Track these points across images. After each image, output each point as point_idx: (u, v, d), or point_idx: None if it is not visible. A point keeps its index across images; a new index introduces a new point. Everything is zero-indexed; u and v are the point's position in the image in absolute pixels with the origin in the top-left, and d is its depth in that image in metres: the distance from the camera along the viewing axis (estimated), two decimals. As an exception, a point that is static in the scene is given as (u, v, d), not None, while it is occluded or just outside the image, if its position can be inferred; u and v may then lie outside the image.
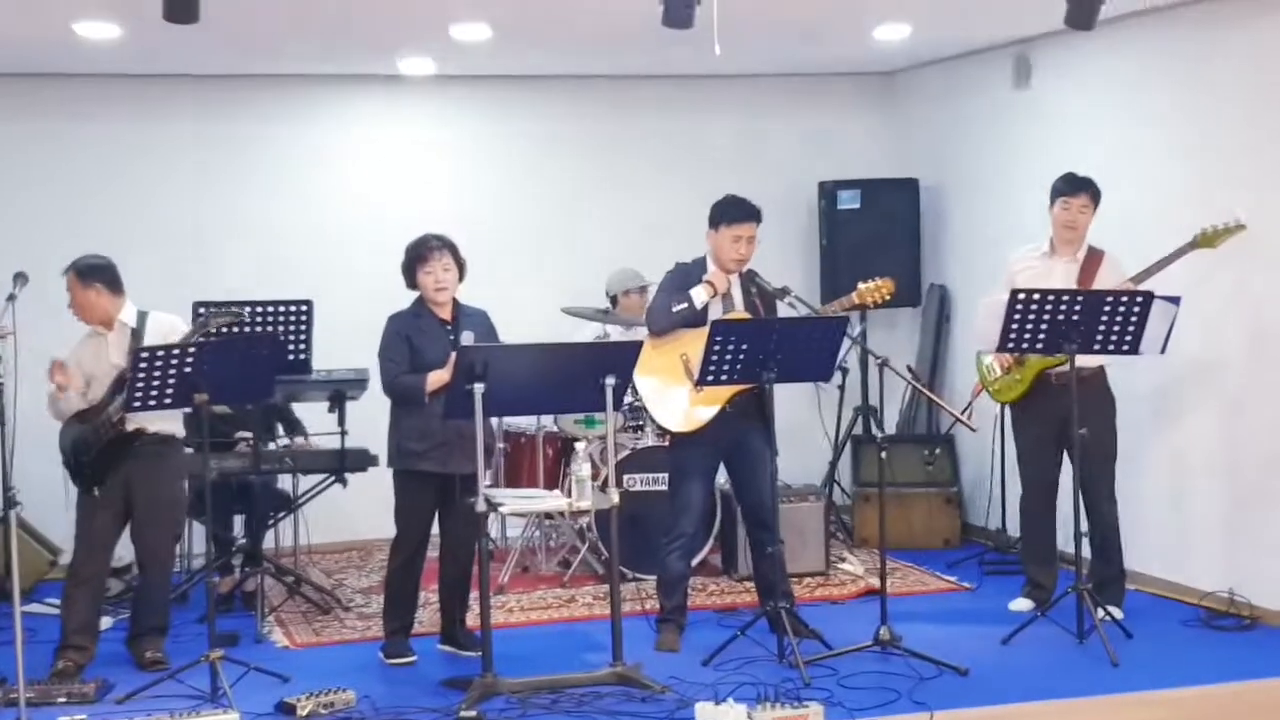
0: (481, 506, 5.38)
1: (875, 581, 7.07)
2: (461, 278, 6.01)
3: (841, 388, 8.43)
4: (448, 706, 5.22)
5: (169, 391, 5.39)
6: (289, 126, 8.32)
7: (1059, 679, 5.49)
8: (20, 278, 5.15)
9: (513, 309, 6.78)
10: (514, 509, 5.78)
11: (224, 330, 5.91)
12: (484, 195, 8.53)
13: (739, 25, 6.04)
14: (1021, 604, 6.54)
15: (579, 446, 5.59)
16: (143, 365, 5.32)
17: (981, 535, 8.16)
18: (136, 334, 5.86)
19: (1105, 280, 6.05)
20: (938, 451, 8.16)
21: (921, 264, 8.70)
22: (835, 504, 8.31)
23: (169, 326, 5.93)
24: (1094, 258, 6.19)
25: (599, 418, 7.46)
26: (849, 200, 8.65)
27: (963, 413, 6.45)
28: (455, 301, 6.01)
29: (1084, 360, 5.98)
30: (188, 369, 5.36)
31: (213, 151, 8.20)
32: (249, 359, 5.59)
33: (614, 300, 7.85)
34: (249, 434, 6.84)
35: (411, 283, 6.00)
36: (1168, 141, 6.82)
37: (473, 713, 5.08)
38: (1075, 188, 6.21)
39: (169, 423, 5.92)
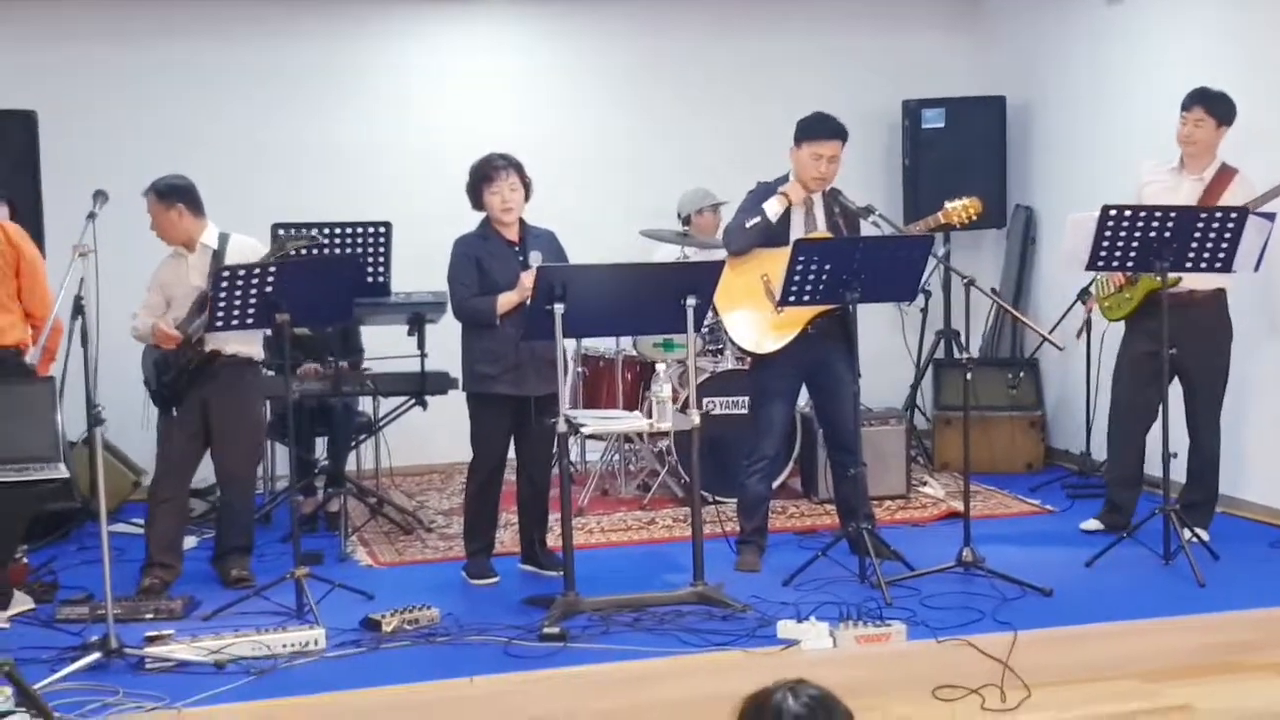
0: (563, 427, 5.38)
1: (957, 504, 7.05)
2: (528, 197, 5.96)
3: (924, 310, 8.34)
4: (530, 624, 5.25)
5: (250, 311, 5.42)
6: (362, 46, 8.28)
7: (1144, 600, 5.42)
8: (100, 195, 5.18)
9: (586, 232, 6.74)
10: (595, 429, 5.76)
11: (302, 253, 5.91)
12: (557, 117, 8.46)
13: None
14: (1092, 524, 6.46)
15: (659, 368, 5.55)
16: (224, 285, 5.35)
17: (1065, 459, 8.06)
18: (218, 255, 5.89)
19: (1232, 200, 5.85)
20: (1021, 375, 8.04)
21: (1007, 184, 8.53)
22: (916, 428, 8.23)
23: (249, 249, 5.96)
24: (1224, 175, 6.01)
25: (678, 341, 7.44)
26: (933, 119, 8.48)
27: (1076, 332, 6.32)
28: (522, 222, 5.97)
29: (1200, 281, 5.84)
30: (269, 289, 5.38)
31: (284, 73, 8.16)
32: (329, 280, 5.60)
33: (687, 220, 7.77)
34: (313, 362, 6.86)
35: (477, 203, 5.96)
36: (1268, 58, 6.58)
37: (556, 629, 5.10)
38: (1191, 100, 6.05)
39: (248, 344, 5.96)
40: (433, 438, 7.84)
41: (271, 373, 6.95)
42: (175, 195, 5.86)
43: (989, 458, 7.79)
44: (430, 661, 4.96)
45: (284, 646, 4.98)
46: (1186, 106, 6.10)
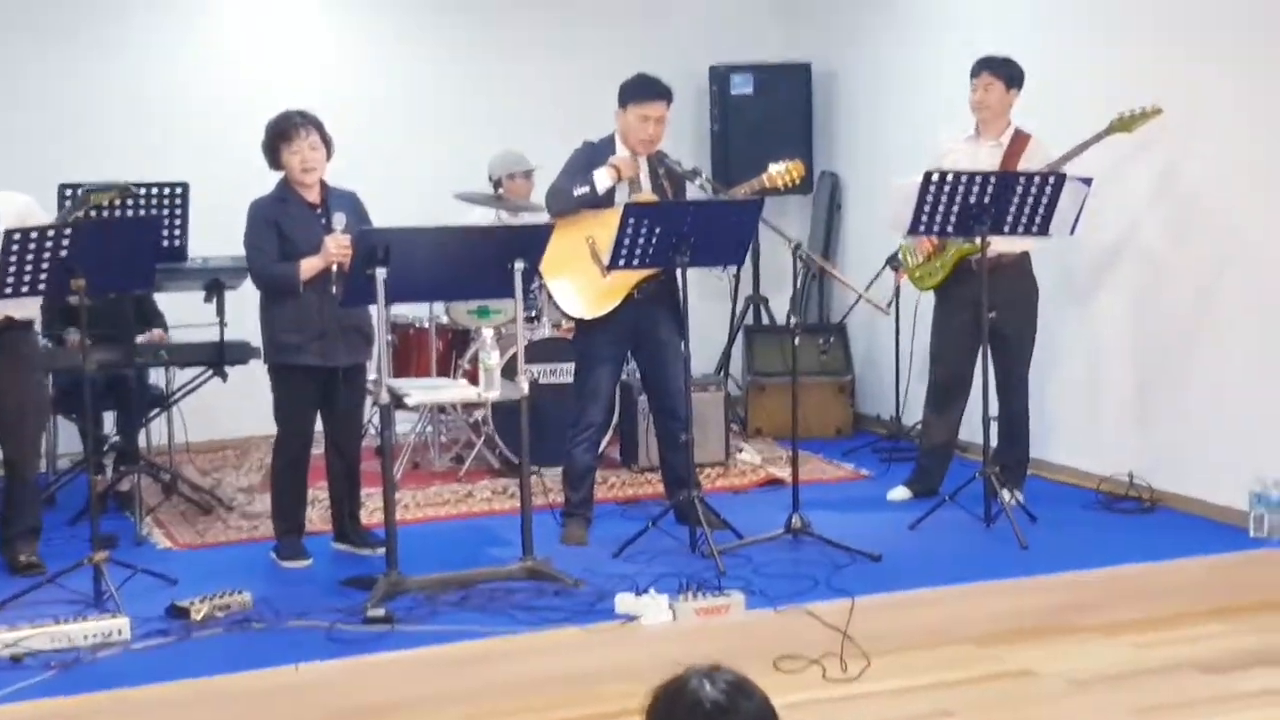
0: (385, 398, 5.12)
1: (775, 471, 7.06)
2: (329, 156, 5.66)
3: (736, 276, 8.29)
4: (352, 606, 4.99)
5: (41, 277, 4.98)
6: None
7: (969, 563, 5.46)
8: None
9: (392, 193, 6.46)
10: (421, 400, 5.51)
11: (111, 205, 5.44)
12: (360, 72, 8.13)
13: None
14: (900, 493, 6.50)
15: (486, 334, 5.32)
16: (14, 249, 4.90)
17: (873, 424, 8.13)
18: None
19: (1029, 163, 5.94)
20: (831, 340, 8.08)
21: (813, 151, 8.53)
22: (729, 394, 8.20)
23: (24, 207, 5.44)
24: (1019, 140, 6.09)
25: (494, 307, 7.23)
26: (742, 85, 8.45)
27: (887, 302, 6.35)
28: (323, 183, 5.67)
29: (1006, 245, 5.90)
30: (63, 252, 4.95)
31: (69, 12, 7.62)
32: (129, 243, 5.18)
33: (498, 184, 7.53)
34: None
35: (275, 163, 5.64)
36: (1081, 21, 6.69)
37: (380, 611, 4.86)
38: (978, 67, 6.16)
39: (23, 308, 5.45)
40: (225, 411, 7.44)
41: (48, 343, 6.52)
42: None
43: (801, 423, 7.75)
44: (247, 650, 4.65)
45: (85, 638, 4.62)
46: (975, 73, 6.20)
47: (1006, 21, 7.12)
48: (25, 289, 5.01)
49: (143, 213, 6.11)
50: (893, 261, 7.32)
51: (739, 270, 8.30)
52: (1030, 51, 6.32)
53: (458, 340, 7.44)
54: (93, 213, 5.30)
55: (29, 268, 4.96)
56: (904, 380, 7.64)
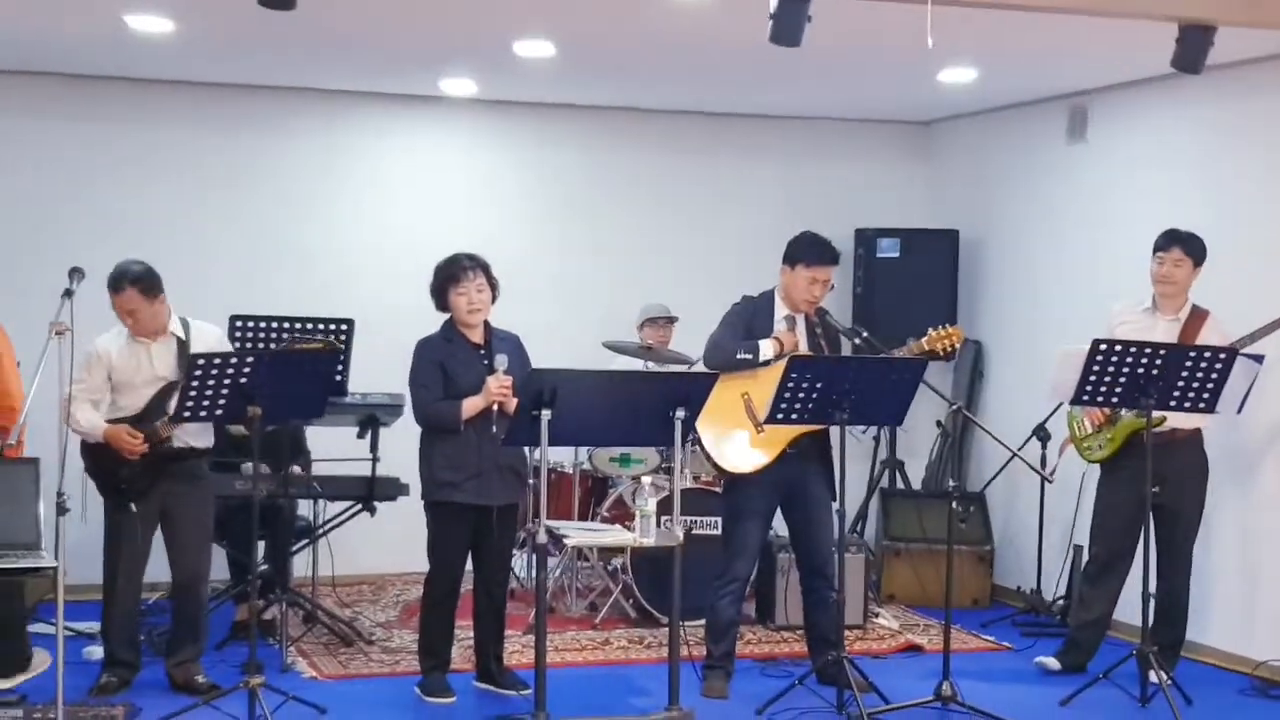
0: (543, 538, 5.15)
1: (914, 637, 6.94)
2: (494, 299, 5.80)
3: (876, 439, 8.27)
4: (501, 746, 4.97)
5: (221, 402, 5.14)
6: (331, 142, 8.12)
7: (1126, 744, 5.32)
8: (76, 273, 4.90)
9: (544, 340, 6.57)
10: (580, 541, 5.54)
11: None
12: (518, 224, 8.33)
13: (799, 62, 5.93)
14: (1050, 662, 6.36)
15: (645, 481, 5.36)
16: (197, 373, 5.06)
17: (1010, 596, 7.97)
18: (184, 344, 5.60)
19: (1205, 341, 5.87)
20: (971, 509, 7.97)
21: (957, 317, 8.53)
22: (866, 558, 8.11)
23: (214, 338, 5.71)
24: (1197, 317, 6.03)
25: (635, 456, 7.28)
26: (888, 249, 8.51)
27: (1050, 472, 6.27)
28: (487, 325, 5.80)
29: (1181, 420, 5.82)
30: (243, 379, 5.11)
31: (247, 163, 7.98)
32: (306, 375, 5.34)
33: (641, 327, 7.73)
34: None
35: (442, 304, 5.78)
36: (1239, 202, 6.69)
37: (531, 752, 4.83)
38: (1169, 241, 6.07)
39: (208, 436, 5.70)
40: (364, 546, 7.51)
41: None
42: (157, 285, 5.52)
43: (938, 591, 7.66)
44: (398, 784, 4.65)
45: (243, 762, 4.63)
46: (1164, 247, 6.13)
47: (1151, 197, 7.14)
48: (204, 413, 5.17)
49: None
50: (1040, 432, 7.27)
51: (879, 433, 8.30)
52: (1190, 223, 6.30)
53: (597, 487, 7.48)
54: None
55: (209, 392, 5.12)
56: (1047, 552, 7.53)
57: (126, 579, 5.63)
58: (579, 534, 5.47)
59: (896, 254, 8.52)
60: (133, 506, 5.49)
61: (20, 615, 5.37)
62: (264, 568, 6.80)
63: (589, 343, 7.53)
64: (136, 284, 5.43)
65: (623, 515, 7.00)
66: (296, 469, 6.87)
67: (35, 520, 4.03)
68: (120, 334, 5.62)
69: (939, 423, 8.51)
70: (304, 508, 7.14)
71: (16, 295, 6.61)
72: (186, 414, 5.15)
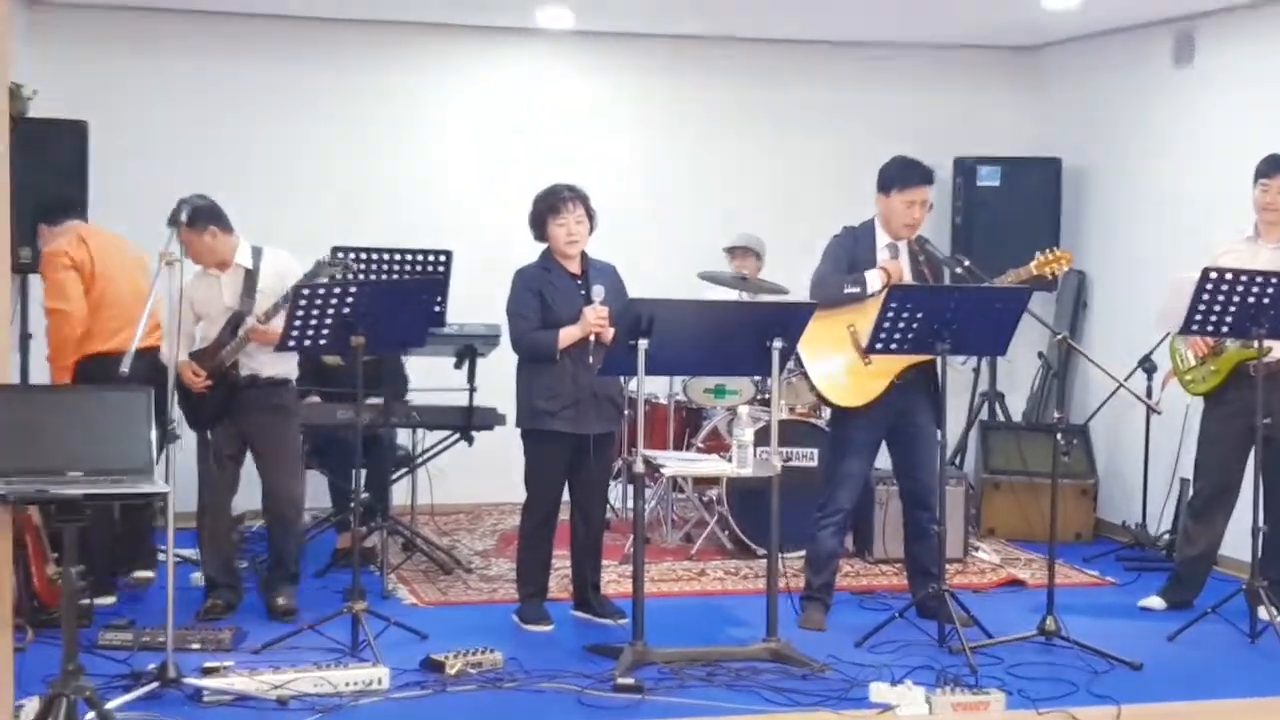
0: (640, 467, 5.15)
1: (1014, 571, 6.87)
2: (592, 230, 5.78)
3: (977, 370, 8.16)
4: (599, 673, 5.01)
5: (325, 332, 5.19)
6: (428, 75, 8.16)
7: (1236, 678, 5.24)
8: (185, 204, 4.92)
9: (639, 270, 6.54)
10: (677, 470, 5.56)
11: (337, 278, 5.53)
12: (613, 155, 8.28)
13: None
14: (1154, 602, 6.26)
15: (743, 410, 5.33)
16: (302, 303, 5.10)
17: (1114, 531, 7.86)
18: (251, 275, 5.66)
19: None
20: (1074, 442, 7.84)
21: (1060, 247, 8.35)
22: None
23: (285, 266, 5.71)
24: None
25: (730, 387, 7.25)
26: (988, 177, 8.35)
27: (1156, 403, 6.14)
28: (584, 255, 5.78)
29: (1284, 350, 5.68)
30: (346, 310, 5.14)
31: (347, 99, 8.03)
32: (408, 304, 5.37)
33: (730, 252, 7.75)
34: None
35: (540, 234, 5.76)
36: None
37: (630, 680, 4.85)
38: (1272, 168, 5.87)
39: (283, 365, 5.74)
40: (460, 475, 7.55)
41: (315, 399, 6.77)
42: (205, 218, 5.54)
43: (1040, 525, 7.54)
44: (501, 708, 4.73)
45: (347, 684, 4.72)
46: (1266, 174, 5.94)
47: (1259, 125, 6.91)
48: (308, 343, 5.22)
49: (408, 276, 6.30)
50: (1146, 363, 7.12)
51: (979, 364, 8.19)
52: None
53: (692, 418, 7.47)
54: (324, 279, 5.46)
55: (313, 322, 5.16)
56: (1152, 486, 7.40)
57: (210, 507, 5.74)
58: (676, 463, 5.47)
59: (997, 182, 8.36)
60: (208, 435, 5.56)
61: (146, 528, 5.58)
62: (364, 496, 6.92)
63: (684, 273, 7.49)
64: (180, 219, 5.36)
65: (718, 446, 6.99)
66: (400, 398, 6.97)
67: (148, 446, 4.09)
68: (200, 268, 5.69)
69: (1041, 354, 8.38)
70: (403, 437, 7.21)
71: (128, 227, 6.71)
72: (291, 344, 5.20)
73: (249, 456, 5.88)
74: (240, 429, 5.76)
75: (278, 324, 5.40)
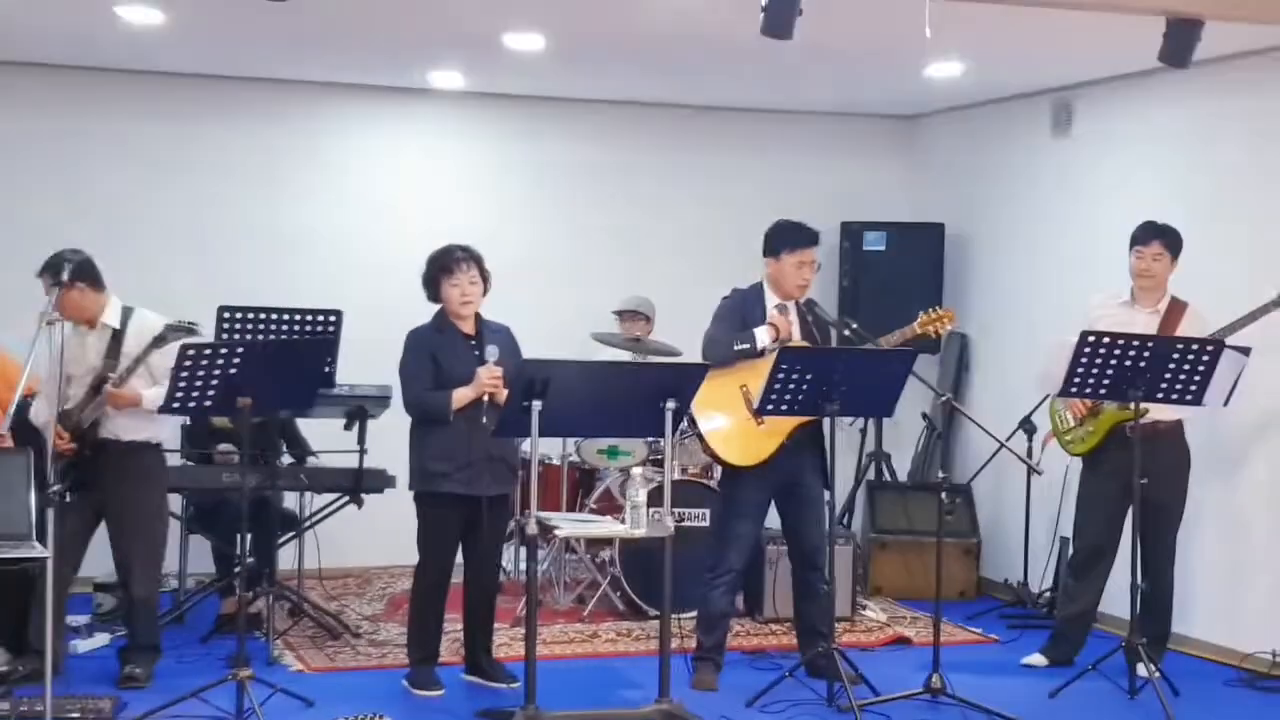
0: (533, 529, 5.14)
1: (901, 629, 6.96)
2: (486, 291, 5.79)
3: (864, 431, 8.28)
4: (490, 738, 4.96)
5: (210, 393, 5.11)
6: (320, 133, 8.14)
7: (1116, 734, 5.35)
8: (68, 263, 4.84)
9: (531, 332, 6.56)
10: (570, 533, 5.54)
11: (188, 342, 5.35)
12: (505, 217, 8.31)
13: (788, 55, 5.95)
14: (1036, 659, 6.38)
15: (634, 473, 5.36)
16: (187, 364, 5.03)
17: (996, 589, 7.99)
18: (118, 335, 5.56)
19: (1185, 332, 5.88)
20: (957, 501, 7.98)
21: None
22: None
23: (150, 327, 5.58)
24: (1176, 309, 6.04)
25: (623, 448, 7.27)
26: (874, 242, 8.53)
27: (1036, 463, 6.30)
28: (478, 316, 5.79)
29: (1162, 412, 5.84)
30: (232, 371, 5.08)
31: (236, 155, 7.98)
32: (297, 365, 5.31)
33: (619, 316, 7.76)
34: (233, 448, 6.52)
35: (434, 295, 5.76)
36: (1220, 196, 6.73)
37: (523, 745, 4.82)
38: (1148, 234, 6.08)
39: (149, 428, 5.61)
40: (348, 538, 7.47)
41: (188, 462, 6.66)
42: (76, 274, 5.44)
43: (925, 583, 7.67)
44: (390, 775, 4.64)
45: (232, 754, 4.62)
46: (1143, 241, 6.14)
47: (1134, 191, 7.16)
48: (193, 404, 5.14)
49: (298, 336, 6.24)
50: (1026, 424, 7.29)
51: (865, 425, 8.31)
52: (1169, 216, 6.30)
53: (585, 479, 7.48)
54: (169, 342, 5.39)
55: (199, 383, 5.08)
56: (1033, 545, 7.56)
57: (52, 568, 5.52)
58: (570, 525, 5.47)
59: (882, 247, 8.55)
60: (66, 497, 5.38)
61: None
62: (249, 560, 6.80)
63: (576, 335, 7.53)
64: (47, 272, 5.39)
65: (611, 507, 7.00)
66: (310, 459, 6.87)
67: (27, 510, 3.99)
68: (71, 326, 5.57)
69: (925, 414, 8.54)
70: (290, 499, 7.11)
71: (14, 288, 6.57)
72: (175, 405, 5.11)
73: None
74: (93, 496, 5.56)
75: (136, 385, 5.32)
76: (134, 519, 5.63)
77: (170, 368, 5.14)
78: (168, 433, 5.80)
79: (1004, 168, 8.24)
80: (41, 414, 5.50)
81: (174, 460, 6.74)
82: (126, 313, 5.63)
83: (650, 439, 7.11)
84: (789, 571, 6.18)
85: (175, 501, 6.85)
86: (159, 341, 5.47)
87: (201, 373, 5.05)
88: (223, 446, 6.52)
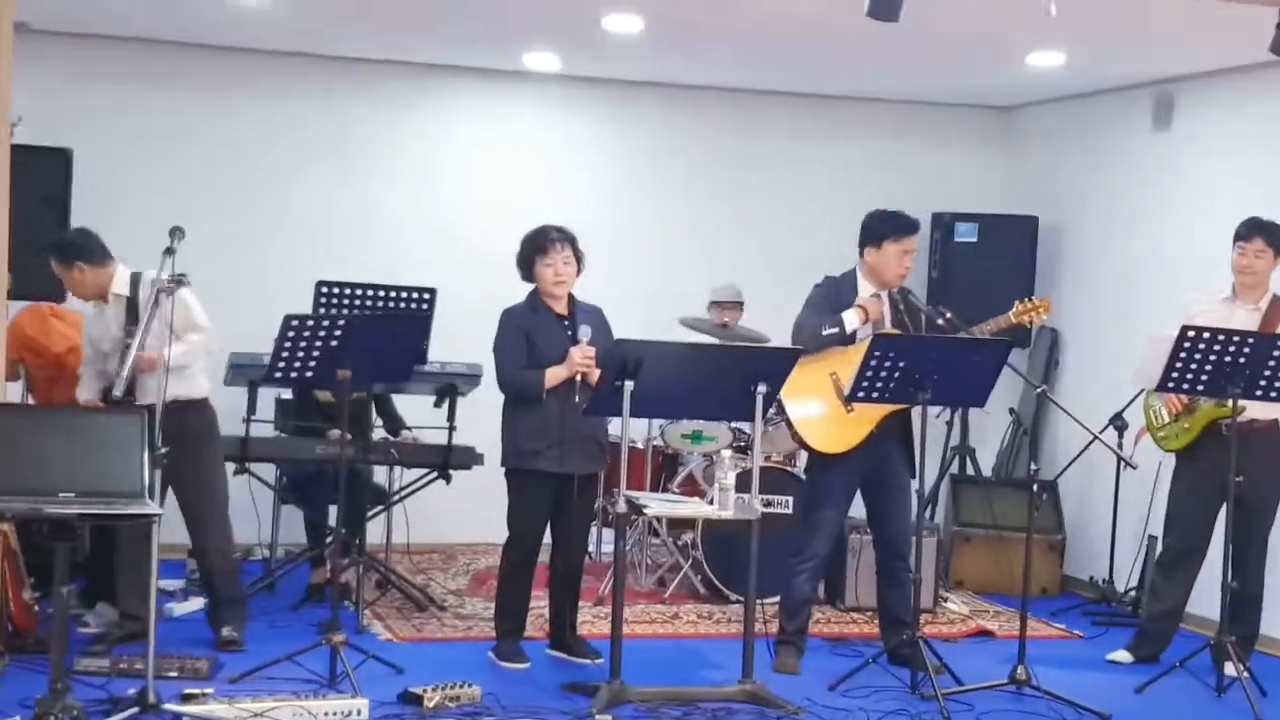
0: (623, 507, 5.19)
1: (984, 623, 6.94)
2: (579, 272, 5.84)
3: (950, 424, 8.24)
4: (576, 710, 5.04)
5: (311, 364, 5.21)
6: (415, 115, 8.22)
7: (1205, 730, 5.31)
8: (177, 232, 4.93)
9: (620, 315, 6.61)
10: (660, 512, 5.59)
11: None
12: (597, 200, 8.36)
13: (889, 41, 5.94)
14: (1122, 655, 6.33)
15: (724, 455, 5.40)
16: (290, 334, 5.14)
17: (1079, 586, 7.93)
18: (131, 302, 5.58)
19: None
20: (1045, 497, 7.92)
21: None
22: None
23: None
24: (1278, 306, 5.96)
25: (707, 433, 7.29)
26: (966, 233, 8.47)
27: (1129, 457, 6.25)
28: (571, 296, 5.84)
29: (1259, 411, 5.77)
30: (334, 342, 5.17)
31: (339, 135, 8.09)
32: (397, 339, 5.40)
33: (709, 307, 7.74)
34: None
35: (528, 275, 5.82)
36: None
37: (608, 717, 4.90)
38: (1251, 231, 5.99)
39: (183, 386, 5.44)
40: (434, 514, 7.57)
41: (281, 433, 6.80)
42: (71, 255, 5.53)
43: (1008, 579, 7.64)
44: (480, 742, 4.72)
45: (326, 714, 4.73)
46: (1245, 237, 6.05)
47: (1236, 188, 7.06)
48: (294, 375, 5.24)
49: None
50: (1117, 420, 7.22)
51: (951, 418, 8.27)
52: (1273, 214, 6.21)
53: (669, 463, 7.52)
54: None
55: (300, 354, 5.19)
56: (1119, 543, 7.49)
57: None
58: (658, 505, 5.51)
59: (974, 239, 8.48)
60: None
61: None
62: (341, 532, 6.91)
63: (664, 319, 7.55)
64: (49, 254, 5.49)
65: (693, 491, 7.04)
66: (406, 434, 6.94)
67: (141, 469, 4.11)
68: (94, 305, 5.67)
69: (1012, 410, 8.48)
70: (380, 474, 7.22)
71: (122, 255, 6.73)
72: (278, 375, 5.22)
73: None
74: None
75: (153, 346, 5.24)
76: (194, 476, 5.58)
77: (191, 321, 5.12)
78: (206, 387, 5.74)
79: (1102, 161, 8.16)
80: (84, 391, 5.64)
81: (268, 431, 6.94)
82: (136, 278, 5.61)
83: (734, 425, 7.14)
84: (872, 560, 6.19)
85: (269, 472, 7.04)
86: (156, 299, 5.32)
87: (304, 344, 5.15)
88: (332, 433, 6.56)
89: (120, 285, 5.63)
